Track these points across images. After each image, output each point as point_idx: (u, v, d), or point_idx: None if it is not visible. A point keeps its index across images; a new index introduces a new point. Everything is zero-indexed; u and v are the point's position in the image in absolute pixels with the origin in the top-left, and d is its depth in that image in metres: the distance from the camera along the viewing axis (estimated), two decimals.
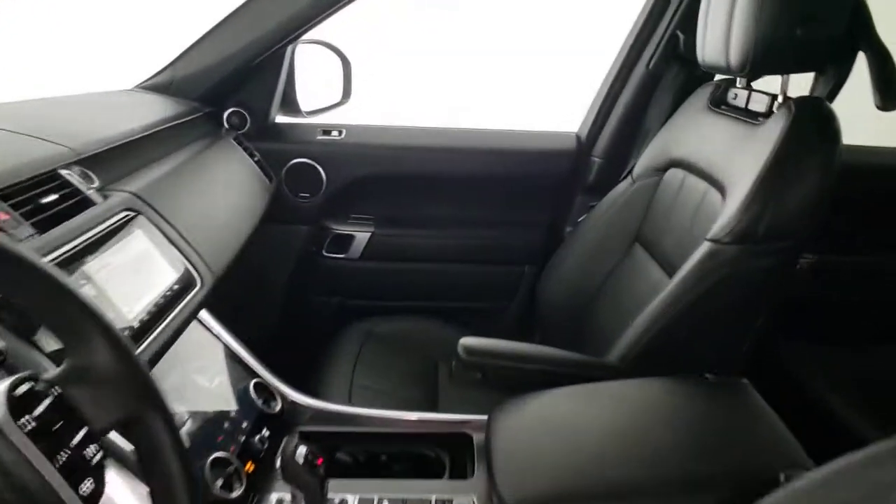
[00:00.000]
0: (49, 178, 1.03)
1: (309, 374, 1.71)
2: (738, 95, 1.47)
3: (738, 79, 1.47)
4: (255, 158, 1.91)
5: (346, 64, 2.07)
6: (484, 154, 2.06)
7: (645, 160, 1.70)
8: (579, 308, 1.71)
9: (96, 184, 1.14)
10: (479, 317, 2.23)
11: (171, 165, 1.39)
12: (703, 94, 1.61)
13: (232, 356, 1.40)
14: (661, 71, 1.92)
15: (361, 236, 2.14)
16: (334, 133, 2.08)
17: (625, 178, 1.79)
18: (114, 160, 1.23)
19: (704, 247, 1.27)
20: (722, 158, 1.40)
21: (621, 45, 1.99)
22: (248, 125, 1.97)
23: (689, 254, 1.31)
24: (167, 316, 1.03)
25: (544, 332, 1.94)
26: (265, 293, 2.11)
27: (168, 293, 1.06)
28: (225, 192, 1.59)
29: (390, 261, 2.17)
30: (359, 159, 2.06)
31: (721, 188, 1.36)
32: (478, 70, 4.63)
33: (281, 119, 2.10)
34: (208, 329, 1.41)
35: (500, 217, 2.17)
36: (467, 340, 1.36)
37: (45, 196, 0.98)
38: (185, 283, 1.13)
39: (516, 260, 2.18)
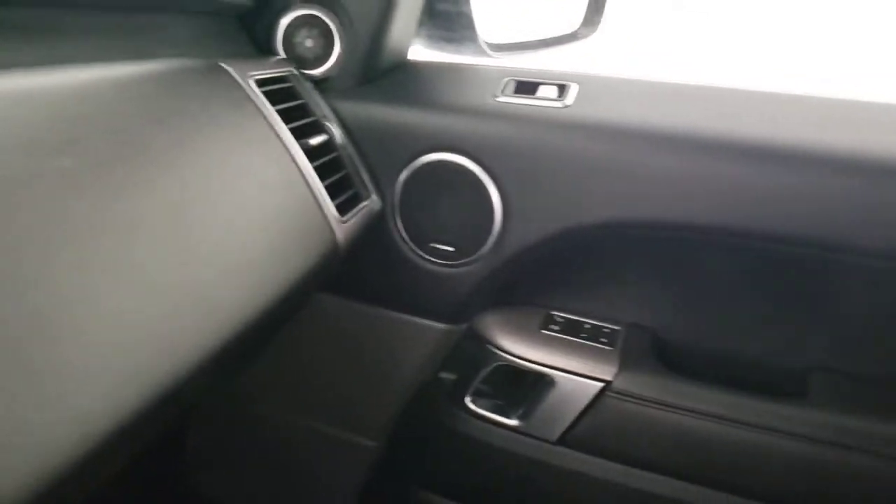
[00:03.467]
0: None
1: None
2: None
3: None
4: (318, 141, 0.71)
5: None
6: None
7: None
8: None
9: None
10: None
11: None
12: None
13: None
14: None
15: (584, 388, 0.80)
16: (546, 90, 0.77)
17: None
18: None
19: None
20: None
21: None
22: (332, 60, 0.78)
23: None
24: None
25: None
26: None
27: None
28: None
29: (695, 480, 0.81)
30: (613, 169, 0.72)
31: None
32: None
33: (422, 55, 0.87)
34: None
35: None
36: None
37: None
38: None
39: None
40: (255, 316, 0.53)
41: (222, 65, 0.64)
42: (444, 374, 0.90)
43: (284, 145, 0.64)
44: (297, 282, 0.60)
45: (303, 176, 0.65)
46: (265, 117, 0.64)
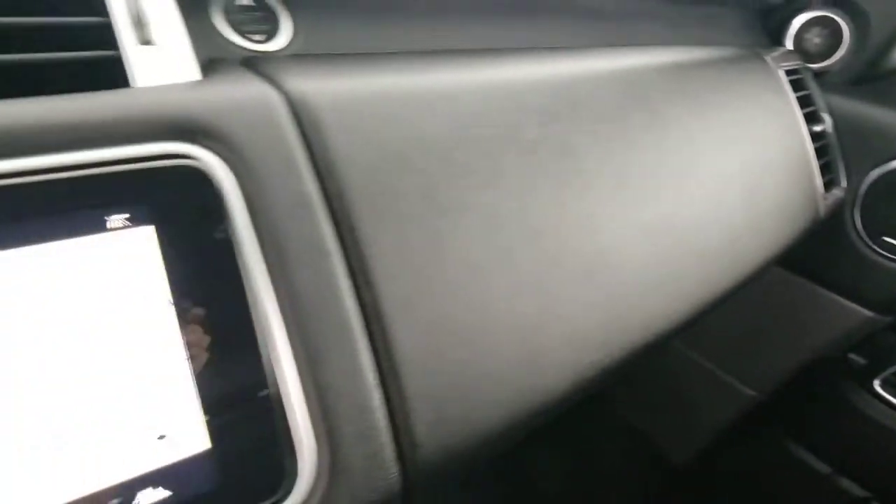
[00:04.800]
0: None
1: None
2: None
3: None
4: (820, 128, 0.82)
5: None
6: None
7: None
8: None
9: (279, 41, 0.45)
10: None
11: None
12: None
13: None
14: None
15: None
16: None
17: None
18: None
19: None
20: None
21: None
22: (834, 58, 0.89)
23: None
24: None
25: None
26: None
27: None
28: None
29: None
30: None
31: None
32: None
33: None
34: None
35: None
36: None
37: None
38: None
39: None
40: (755, 268, 0.69)
41: (764, 57, 0.80)
42: (852, 356, 0.98)
43: (799, 129, 0.78)
44: (786, 241, 0.75)
45: (807, 156, 0.78)
46: (789, 103, 0.79)
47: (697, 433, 1.19)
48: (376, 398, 0.35)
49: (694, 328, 1.14)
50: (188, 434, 0.30)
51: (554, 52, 0.56)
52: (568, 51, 0.58)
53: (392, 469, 0.35)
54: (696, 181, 0.59)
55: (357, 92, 0.40)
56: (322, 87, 0.39)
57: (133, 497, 0.29)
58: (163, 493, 0.29)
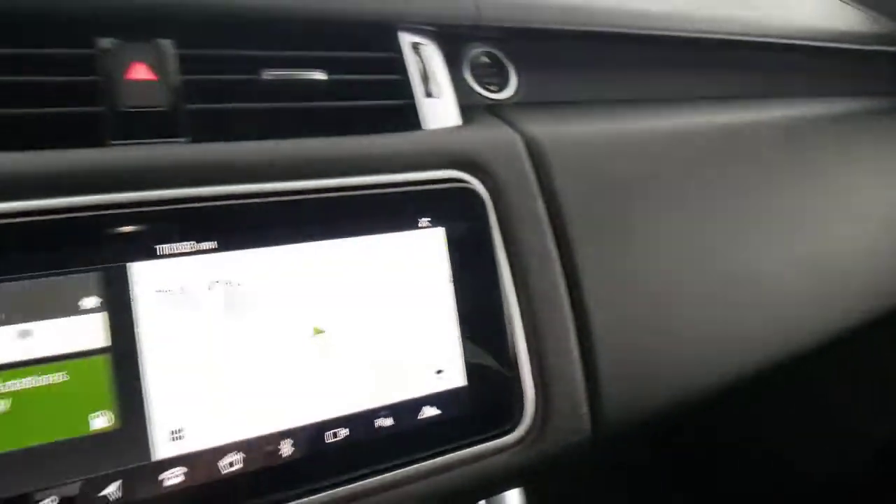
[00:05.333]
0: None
1: None
2: None
3: None
4: None
5: None
6: None
7: None
8: None
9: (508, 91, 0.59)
10: None
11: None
12: None
13: None
14: None
15: None
16: None
17: None
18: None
19: None
20: None
21: None
22: None
23: None
24: None
25: None
26: None
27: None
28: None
29: None
30: None
31: None
32: None
33: None
34: None
35: None
36: None
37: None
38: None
39: None
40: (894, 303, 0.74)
41: None
42: None
43: None
44: None
45: None
46: None
47: (845, 457, 1.21)
48: (578, 370, 0.46)
49: (852, 357, 1.16)
50: (454, 373, 0.43)
51: (725, 102, 0.66)
52: (737, 101, 0.67)
53: (586, 425, 0.46)
54: (842, 223, 0.67)
55: (573, 135, 0.52)
56: (548, 130, 0.51)
57: (419, 409, 0.42)
58: (436, 410, 0.43)
